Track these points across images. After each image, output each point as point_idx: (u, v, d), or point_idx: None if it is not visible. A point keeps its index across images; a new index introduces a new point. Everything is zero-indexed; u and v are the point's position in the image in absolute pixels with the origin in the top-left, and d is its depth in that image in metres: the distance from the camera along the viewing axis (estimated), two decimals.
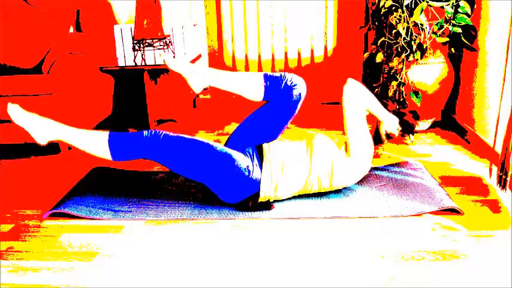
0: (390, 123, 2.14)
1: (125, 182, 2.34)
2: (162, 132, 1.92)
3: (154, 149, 1.89)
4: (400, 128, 2.19)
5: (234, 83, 2.04)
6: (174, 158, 1.90)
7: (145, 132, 1.91)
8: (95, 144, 1.91)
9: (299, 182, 2.01)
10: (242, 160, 1.94)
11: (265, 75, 2.04)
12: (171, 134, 1.93)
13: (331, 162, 2.02)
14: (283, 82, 2.02)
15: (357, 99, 2.05)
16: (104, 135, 1.92)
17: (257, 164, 1.98)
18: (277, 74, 2.05)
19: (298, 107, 2.06)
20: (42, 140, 1.92)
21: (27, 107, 2.72)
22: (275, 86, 2.01)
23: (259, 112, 2.09)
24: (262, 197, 2.00)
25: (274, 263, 1.64)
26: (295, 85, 2.02)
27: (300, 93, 2.03)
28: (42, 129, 1.90)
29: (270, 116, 2.07)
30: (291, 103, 2.03)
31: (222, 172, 1.91)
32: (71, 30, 3.19)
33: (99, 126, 3.24)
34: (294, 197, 2.09)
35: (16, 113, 1.90)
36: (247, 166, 1.94)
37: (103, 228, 1.92)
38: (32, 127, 1.90)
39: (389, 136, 2.17)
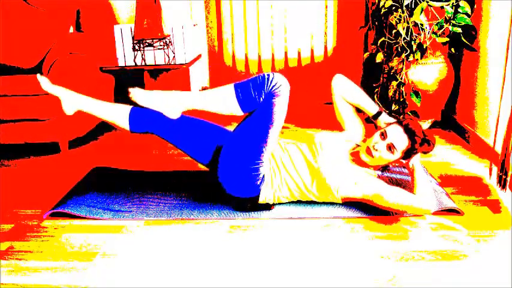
0: (382, 119, 2.05)
1: (125, 182, 2.34)
2: (280, 95, 1.84)
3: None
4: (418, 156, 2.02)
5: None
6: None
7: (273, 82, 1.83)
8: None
9: (298, 191, 2.00)
10: (265, 165, 1.95)
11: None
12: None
13: (336, 182, 1.95)
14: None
15: (346, 92, 2.11)
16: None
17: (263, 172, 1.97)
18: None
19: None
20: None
21: (27, 107, 2.73)
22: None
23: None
24: (262, 200, 1.99)
25: (274, 263, 1.64)
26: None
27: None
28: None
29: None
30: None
31: (250, 164, 1.91)
32: (71, 30, 3.19)
33: (99, 126, 3.24)
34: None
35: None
36: (264, 171, 1.96)
37: (103, 228, 1.92)
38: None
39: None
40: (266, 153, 1.92)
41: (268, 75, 1.84)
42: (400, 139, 1.90)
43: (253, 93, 1.83)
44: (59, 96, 2.05)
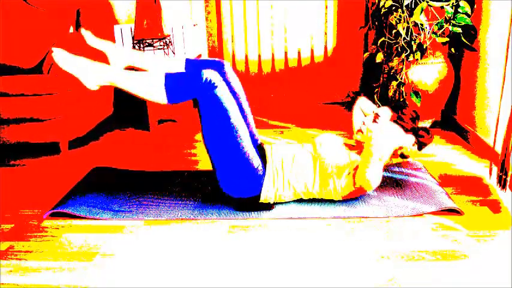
0: (407, 143, 2.03)
1: (125, 182, 2.34)
2: (217, 86, 1.83)
3: (205, 97, 1.82)
4: (415, 147, 2.07)
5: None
6: (211, 118, 1.86)
7: (204, 77, 1.81)
8: (150, 85, 1.82)
9: (300, 189, 2.00)
10: (255, 159, 1.95)
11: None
12: (226, 90, 1.86)
13: (335, 179, 1.97)
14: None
15: (393, 143, 1.98)
16: (160, 78, 1.82)
17: (261, 168, 1.98)
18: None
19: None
20: (92, 84, 1.85)
21: (27, 107, 2.73)
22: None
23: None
24: (263, 199, 1.99)
25: (274, 263, 1.64)
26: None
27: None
28: (91, 72, 1.84)
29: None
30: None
31: (236, 158, 1.90)
32: (71, 30, 3.19)
33: (100, 126, 3.24)
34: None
35: (62, 56, 1.83)
36: (258, 165, 1.95)
37: (103, 228, 1.92)
38: (81, 71, 1.83)
39: (403, 155, 2.07)
40: (245, 143, 1.91)
41: (201, 71, 1.82)
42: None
43: (185, 85, 1.81)
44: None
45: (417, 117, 2.14)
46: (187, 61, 2.05)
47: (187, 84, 1.83)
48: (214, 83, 1.82)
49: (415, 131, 2.03)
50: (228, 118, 1.86)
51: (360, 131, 2.09)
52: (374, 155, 1.83)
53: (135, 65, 2.03)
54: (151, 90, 1.83)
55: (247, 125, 2.09)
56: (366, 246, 1.72)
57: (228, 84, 2.03)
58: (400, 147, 2.02)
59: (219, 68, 2.04)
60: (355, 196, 2.03)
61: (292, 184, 1.99)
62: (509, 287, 1.48)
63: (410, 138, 2.01)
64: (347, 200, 2.05)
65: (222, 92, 1.84)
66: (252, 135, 2.11)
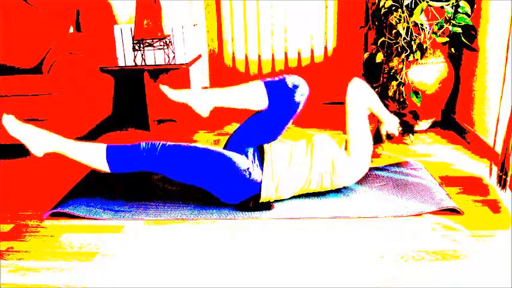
0: (391, 124, 2.16)
1: (125, 182, 2.34)
2: (159, 144, 1.92)
3: (153, 162, 1.90)
4: (400, 128, 2.19)
5: (237, 99, 2.00)
6: (173, 168, 1.92)
7: (142, 144, 1.91)
8: (93, 157, 1.92)
9: (300, 181, 2.02)
10: (242, 162, 1.94)
11: (266, 84, 1.97)
12: (169, 143, 1.93)
13: (331, 160, 2.02)
14: (285, 86, 1.97)
15: (361, 97, 2.05)
16: (102, 148, 1.92)
17: (258, 165, 1.99)
18: (277, 79, 1.99)
19: (300, 107, 2.03)
20: (38, 151, 1.93)
21: (27, 107, 2.73)
22: (278, 92, 1.96)
23: (261, 114, 2.05)
24: (264, 198, 2.00)
25: (274, 263, 1.64)
26: (297, 87, 1.97)
27: (302, 95, 1.99)
28: (38, 140, 1.91)
29: (271, 117, 2.03)
30: (293, 105, 1.99)
31: (222, 176, 1.91)
32: (71, 30, 3.19)
33: (100, 126, 3.24)
34: (295, 197, 2.09)
35: (11, 124, 1.89)
36: (248, 168, 1.94)
37: (103, 228, 1.92)
38: (27, 138, 1.89)
39: (389, 136, 2.18)
40: (216, 152, 1.95)
41: (139, 144, 1.91)
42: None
43: (127, 156, 1.89)
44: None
45: (417, 117, 2.16)
46: (266, 84, 1.99)
47: (130, 155, 1.90)
48: (153, 145, 1.90)
49: (398, 114, 2.19)
50: (184, 154, 1.90)
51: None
52: (351, 117, 2.02)
53: (218, 105, 2.03)
54: (94, 160, 1.91)
55: (276, 137, 2.13)
56: (366, 246, 1.72)
57: (296, 107, 2.02)
58: (381, 122, 2.15)
59: (290, 90, 2.00)
60: (351, 175, 2.07)
61: (292, 179, 2.00)
62: (509, 287, 1.48)
63: (393, 118, 2.14)
64: (347, 199, 2.05)
65: (162, 149, 1.90)
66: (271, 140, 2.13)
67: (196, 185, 1.98)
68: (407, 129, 2.21)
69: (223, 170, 1.91)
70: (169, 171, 1.92)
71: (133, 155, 1.90)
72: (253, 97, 1.98)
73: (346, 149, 2.06)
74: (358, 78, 2.10)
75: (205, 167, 1.91)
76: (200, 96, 1.99)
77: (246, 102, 2.00)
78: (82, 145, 1.95)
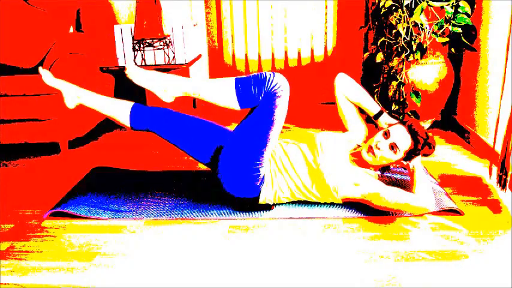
0: (383, 119, 2.06)
1: (125, 182, 2.34)
2: (281, 96, 1.83)
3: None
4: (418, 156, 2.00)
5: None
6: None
7: (274, 81, 1.82)
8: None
9: (299, 191, 2.00)
10: (265, 166, 1.94)
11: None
12: (280, 107, 1.85)
13: (336, 187, 1.95)
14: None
15: (349, 90, 2.09)
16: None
17: (264, 173, 1.97)
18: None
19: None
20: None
21: (27, 107, 2.73)
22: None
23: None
24: (262, 201, 1.99)
25: (274, 263, 1.64)
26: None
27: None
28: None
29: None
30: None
31: (249, 165, 1.90)
32: (71, 30, 3.19)
33: (100, 126, 3.24)
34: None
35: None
36: (264, 171, 1.95)
37: (103, 228, 1.92)
38: (155, 85, 1.95)
39: (386, 168, 2.06)
40: (266, 154, 1.92)
41: (270, 74, 1.82)
42: (403, 139, 1.91)
43: (253, 90, 1.81)
44: (60, 89, 2.04)
45: (417, 117, 2.14)
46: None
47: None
48: (278, 91, 1.81)
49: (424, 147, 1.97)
50: (269, 129, 1.86)
51: (371, 150, 1.95)
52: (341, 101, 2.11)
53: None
54: (225, 96, 1.87)
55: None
56: (366, 246, 1.72)
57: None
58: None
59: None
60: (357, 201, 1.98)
61: (290, 186, 1.98)
62: (509, 287, 1.48)
63: (418, 159, 1.99)
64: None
65: (281, 102, 1.83)
66: None
67: (228, 150, 1.94)
68: (426, 154, 2.01)
69: (256, 163, 1.91)
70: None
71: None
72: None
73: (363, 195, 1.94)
74: (342, 73, 2.14)
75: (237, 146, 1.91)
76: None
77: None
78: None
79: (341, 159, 2.00)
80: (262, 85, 1.81)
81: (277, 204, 2.04)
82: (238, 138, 1.91)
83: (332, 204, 2.02)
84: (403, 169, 2.36)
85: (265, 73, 1.83)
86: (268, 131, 1.86)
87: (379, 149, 1.92)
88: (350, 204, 2.01)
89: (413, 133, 1.91)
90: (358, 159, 2.04)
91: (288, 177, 1.98)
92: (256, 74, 1.84)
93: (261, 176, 1.93)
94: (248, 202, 1.98)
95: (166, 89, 1.92)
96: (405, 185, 2.18)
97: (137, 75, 1.94)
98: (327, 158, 1.97)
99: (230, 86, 1.84)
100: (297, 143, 2.09)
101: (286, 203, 2.05)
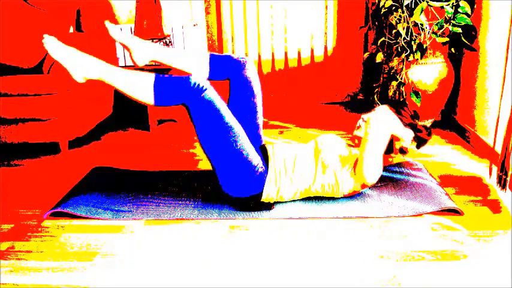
0: (407, 139, 2.04)
1: (125, 182, 2.34)
2: (206, 88, 1.82)
3: (195, 100, 1.81)
4: (415, 144, 2.09)
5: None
6: (204, 121, 1.85)
7: (191, 79, 1.81)
8: (140, 84, 1.80)
9: (302, 187, 2.01)
10: (254, 157, 1.94)
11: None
12: (211, 96, 1.83)
13: (337, 174, 1.98)
14: (229, 57, 1.94)
15: (389, 124, 1.93)
16: (150, 77, 1.82)
17: (262, 166, 1.98)
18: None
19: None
20: (79, 77, 1.84)
21: (27, 107, 2.73)
22: (221, 59, 1.89)
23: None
24: (264, 198, 1.99)
25: (274, 263, 1.64)
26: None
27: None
28: (81, 64, 1.82)
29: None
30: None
31: (236, 158, 1.89)
32: (71, 30, 3.19)
33: (100, 126, 3.24)
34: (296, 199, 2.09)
35: (53, 45, 1.81)
36: (258, 164, 1.95)
37: (103, 228, 1.92)
38: (69, 61, 1.81)
39: (402, 150, 2.08)
40: (242, 141, 1.90)
41: (189, 78, 1.82)
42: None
43: (173, 89, 1.81)
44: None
45: (417, 117, 2.14)
46: (212, 56, 2.04)
47: (176, 88, 1.82)
48: (202, 87, 1.82)
49: (413, 127, 2.05)
50: (221, 118, 1.85)
51: (359, 127, 2.10)
52: (371, 141, 1.87)
53: (158, 60, 2.00)
54: (140, 90, 1.81)
55: (257, 125, 2.11)
56: (366, 246, 1.72)
57: (247, 82, 2.04)
58: (398, 139, 2.04)
59: (240, 64, 2.04)
60: (357, 192, 2.04)
61: (294, 183, 1.99)
62: (509, 287, 1.48)
63: (409, 133, 2.02)
64: (348, 198, 2.05)
65: (210, 94, 1.84)
66: (258, 136, 2.12)
67: (207, 151, 1.92)
68: (421, 144, 2.09)
69: (239, 153, 1.89)
70: (200, 121, 1.85)
71: (181, 87, 1.80)
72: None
73: (354, 169, 1.98)
74: (385, 106, 1.97)
75: (225, 143, 1.87)
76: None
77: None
78: (129, 72, 1.84)
79: (340, 148, 2.07)
80: (183, 84, 1.81)
81: (278, 202, 2.04)
82: (205, 144, 1.90)
83: (332, 204, 2.02)
84: (403, 169, 2.36)
85: (187, 77, 1.82)
86: (222, 121, 1.85)
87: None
88: (350, 204, 2.01)
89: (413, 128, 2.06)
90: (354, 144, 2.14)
91: (291, 174, 1.98)
92: (178, 76, 1.84)
93: (256, 164, 1.93)
94: (250, 200, 1.98)
95: (81, 67, 1.80)
96: (405, 185, 2.18)
97: (55, 48, 1.79)
98: (328, 148, 2.03)
99: (149, 80, 1.81)
100: (298, 143, 2.11)
101: (286, 202, 2.06)
